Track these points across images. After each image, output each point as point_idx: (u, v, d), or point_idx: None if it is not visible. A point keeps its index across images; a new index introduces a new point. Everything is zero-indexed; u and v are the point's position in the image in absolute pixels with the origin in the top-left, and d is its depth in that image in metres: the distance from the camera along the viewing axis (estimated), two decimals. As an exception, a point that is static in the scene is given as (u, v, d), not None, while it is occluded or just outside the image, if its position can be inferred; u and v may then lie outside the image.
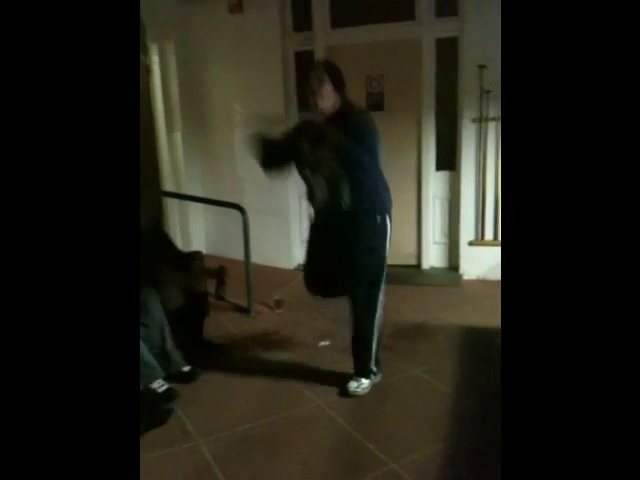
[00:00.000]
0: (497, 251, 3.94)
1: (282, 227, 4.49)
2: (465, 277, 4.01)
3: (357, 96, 3.78)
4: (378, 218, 2.28)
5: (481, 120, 3.81)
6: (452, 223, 4.12)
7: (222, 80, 4.49)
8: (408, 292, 3.63)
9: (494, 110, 3.75)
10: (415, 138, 4.08)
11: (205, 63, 4.51)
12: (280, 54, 4.19)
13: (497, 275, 3.94)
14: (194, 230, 4.84)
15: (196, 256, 2.81)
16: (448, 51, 3.91)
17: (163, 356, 2.43)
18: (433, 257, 4.23)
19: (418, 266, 4.25)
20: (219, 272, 2.74)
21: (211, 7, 4.31)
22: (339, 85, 2.27)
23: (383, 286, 2.37)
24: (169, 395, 2.24)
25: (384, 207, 2.31)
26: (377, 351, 2.46)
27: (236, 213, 3.38)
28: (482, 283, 3.93)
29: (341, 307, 2.55)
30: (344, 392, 2.41)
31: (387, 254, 2.35)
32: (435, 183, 4.13)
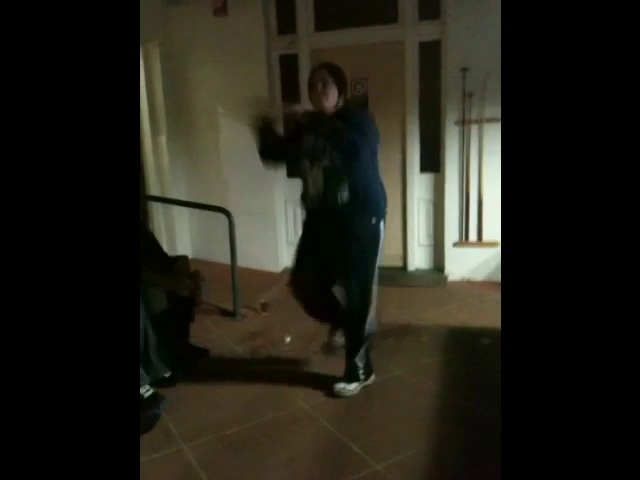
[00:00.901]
0: (481, 252, 3.99)
1: (268, 229, 4.48)
2: (450, 278, 4.04)
3: (341, 99, 3.80)
4: (373, 219, 2.27)
5: (464, 122, 3.85)
6: (437, 225, 4.16)
7: (206, 82, 4.48)
8: (394, 293, 3.65)
9: (476, 112, 3.80)
10: (399, 140, 4.11)
11: (189, 65, 4.50)
12: (264, 57, 4.19)
13: (481, 275, 3.99)
14: (179, 234, 4.82)
15: (181, 260, 2.79)
16: (431, 54, 3.95)
17: (146, 361, 2.40)
18: (418, 259, 4.27)
19: (404, 268, 4.27)
20: (193, 277, 2.71)
21: (195, 9, 4.31)
22: (342, 87, 2.29)
23: (375, 287, 2.36)
24: (155, 400, 2.23)
25: (379, 207, 2.30)
26: (367, 354, 2.46)
27: (222, 216, 3.37)
28: (467, 283, 3.97)
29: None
30: (332, 393, 2.41)
31: (380, 256, 2.34)
32: (419, 185, 4.16)
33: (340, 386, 2.42)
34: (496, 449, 1.97)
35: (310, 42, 4.15)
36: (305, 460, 1.98)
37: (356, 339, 2.41)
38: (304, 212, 2.44)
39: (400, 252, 4.28)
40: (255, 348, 2.99)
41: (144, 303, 2.46)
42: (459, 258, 4.04)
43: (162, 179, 4.77)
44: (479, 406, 2.28)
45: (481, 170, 3.88)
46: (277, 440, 2.11)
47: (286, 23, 4.19)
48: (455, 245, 4.04)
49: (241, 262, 3.54)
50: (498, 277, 3.96)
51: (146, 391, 2.21)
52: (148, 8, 4.26)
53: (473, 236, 4.00)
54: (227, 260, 3.45)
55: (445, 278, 4.05)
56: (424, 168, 4.13)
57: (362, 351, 2.43)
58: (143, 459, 1.97)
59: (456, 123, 3.88)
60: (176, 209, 4.68)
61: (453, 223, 4.03)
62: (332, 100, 2.25)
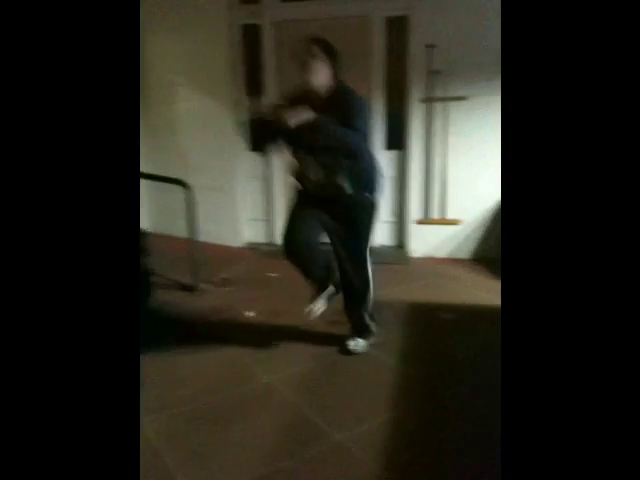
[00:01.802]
0: (443, 229, 4.02)
1: (229, 204, 4.39)
2: (413, 255, 4.07)
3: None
4: (369, 197, 2.31)
5: (429, 100, 3.83)
6: (400, 202, 4.16)
7: (165, 52, 4.30)
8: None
9: (441, 90, 3.79)
10: (364, 116, 4.06)
11: (147, 35, 4.29)
12: (226, 27, 4.04)
13: (443, 253, 4.03)
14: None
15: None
16: (398, 30, 3.89)
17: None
18: (382, 235, 4.26)
19: (367, 245, 4.26)
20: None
21: (152, -27, 4.10)
22: (334, 63, 2.19)
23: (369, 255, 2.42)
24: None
25: (377, 185, 2.34)
26: (372, 308, 2.52)
27: (180, 190, 3.26)
28: (429, 260, 4.00)
29: (299, 285, 2.53)
30: (344, 350, 2.50)
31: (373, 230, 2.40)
32: (384, 162, 4.13)
33: (352, 343, 2.51)
34: (456, 419, 2.01)
35: (274, 13, 4.03)
36: (268, 433, 1.96)
37: (362, 292, 2.45)
38: (297, 188, 2.41)
39: (363, 230, 4.27)
40: (216, 323, 2.92)
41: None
42: (422, 235, 4.06)
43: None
44: (438, 377, 2.31)
45: (445, 148, 3.89)
46: (240, 415, 2.08)
47: (249, -8, 4.05)
48: (418, 222, 4.06)
49: (201, 237, 3.44)
50: (460, 254, 4.01)
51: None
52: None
53: (436, 214, 4.02)
54: (186, 234, 3.35)
55: (408, 255, 4.07)
56: (389, 145, 4.11)
57: (369, 303, 2.48)
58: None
59: (421, 101, 3.86)
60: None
61: (416, 201, 4.04)
62: (323, 79, 2.16)
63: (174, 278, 3.44)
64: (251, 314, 3.01)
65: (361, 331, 2.55)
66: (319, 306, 2.47)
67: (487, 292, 3.27)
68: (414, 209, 4.05)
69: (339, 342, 2.56)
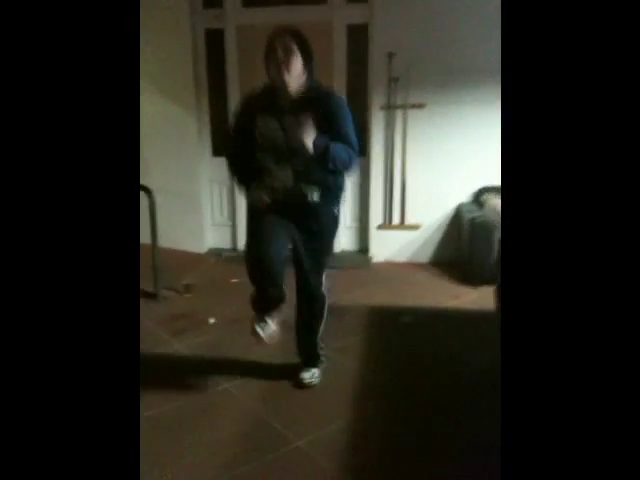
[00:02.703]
0: (403, 235, 4.11)
1: (192, 210, 4.36)
2: (374, 260, 4.14)
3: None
4: (335, 209, 2.19)
5: (389, 107, 3.92)
6: (362, 207, 4.23)
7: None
8: (319, 275, 3.68)
9: (401, 98, 3.88)
10: (327, 123, 4.11)
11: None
12: (189, 30, 4.03)
13: (403, 257, 4.12)
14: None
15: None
16: (359, 37, 3.96)
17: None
18: (344, 241, 4.32)
19: (330, 249, 4.31)
20: None
21: (113, -25, 4.04)
22: (309, 59, 1.99)
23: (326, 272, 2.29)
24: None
25: (341, 198, 2.23)
26: (321, 337, 2.38)
27: (142, 195, 3.23)
28: (390, 265, 4.08)
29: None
30: (299, 384, 2.31)
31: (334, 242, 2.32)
32: (347, 168, 4.19)
33: (307, 375, 2.32)
34: (415, 423, 2.07)
35: (237, 18, 4.04)
36: (227, 439, 1.98)
37: (315, 322, 2.31)
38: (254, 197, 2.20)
39: (326, 234, 4.31)
40: (177, 330, 2.92)
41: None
42: (383, 240, 4.14)
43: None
44: (398, 380, 2.37)
45: (405, 155, 3.98)
46: (199, 421, 2.09)
47: (212, -4, 4.05)
48: (379, 228, 4.14)
49: (163, 243, 3.42)
50: (419, 259, 4.11)
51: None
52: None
53: (396, 219, 4.11)
54: (148, 240, 3.32)
55: (369, 259, 4.14)
56: (351, 151, 4.16)
57: (319, 334, 2.34)
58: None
59: (382, 108, 3.94)
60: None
61: (378, 206, 4.11)
62: (296, 73, 1.96)
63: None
64: (213, 320, 3.02)
65: (315, 359, 2.37)
66: (272, 327, 2.20)
67: (445, 295, 3.37)
68: (375, 214, 4.13)
69: (290, 374, 2.39)
